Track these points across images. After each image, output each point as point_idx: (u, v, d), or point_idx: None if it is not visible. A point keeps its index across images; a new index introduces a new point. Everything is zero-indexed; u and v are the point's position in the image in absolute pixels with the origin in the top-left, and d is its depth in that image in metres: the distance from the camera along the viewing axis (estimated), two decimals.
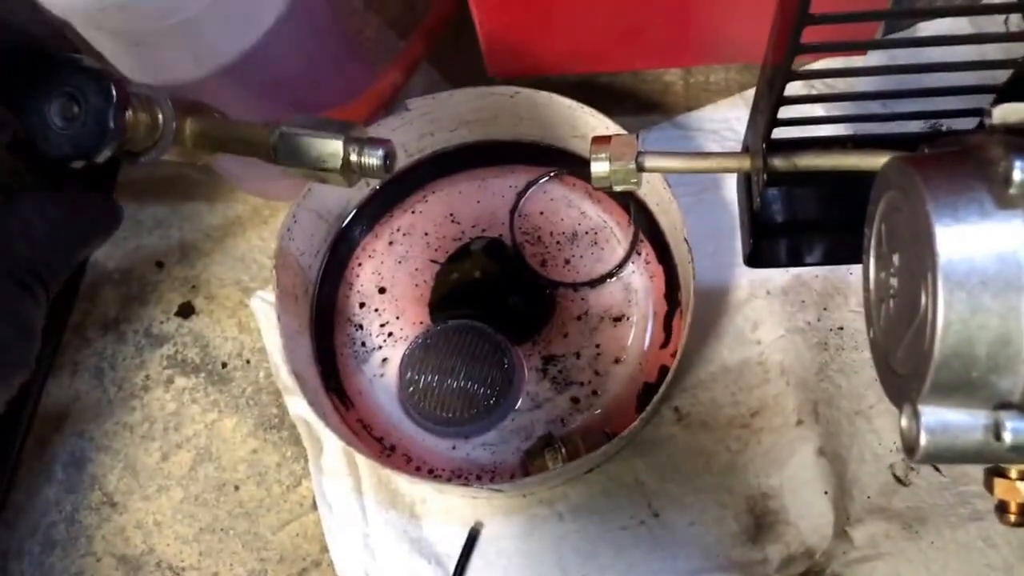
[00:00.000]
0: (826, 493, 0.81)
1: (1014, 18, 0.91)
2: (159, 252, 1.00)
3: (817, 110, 0.63)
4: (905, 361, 0.46)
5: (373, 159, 0.62)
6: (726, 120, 0.98)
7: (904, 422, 0.44)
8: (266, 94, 0.82)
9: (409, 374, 0.86)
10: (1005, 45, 0.58)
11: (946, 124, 0.67)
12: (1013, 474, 0.48)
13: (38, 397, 0.95)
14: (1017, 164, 0.39)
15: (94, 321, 0.98)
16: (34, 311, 0.50)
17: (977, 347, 0.41)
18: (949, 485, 0.82)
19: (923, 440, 0.43)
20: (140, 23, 0.70)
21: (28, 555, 0.89)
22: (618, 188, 0.63)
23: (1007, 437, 0.41)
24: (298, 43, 0.83)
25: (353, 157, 0.61)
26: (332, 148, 0.61)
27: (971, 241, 0.41)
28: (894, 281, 0.49)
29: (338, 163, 0.61)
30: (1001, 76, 0.57)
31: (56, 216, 0.53)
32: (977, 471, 0.50)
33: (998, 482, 0.48)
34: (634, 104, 1.00)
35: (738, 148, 0.73)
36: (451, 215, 0.94)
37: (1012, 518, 0.49)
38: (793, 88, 0.59)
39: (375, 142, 0.62)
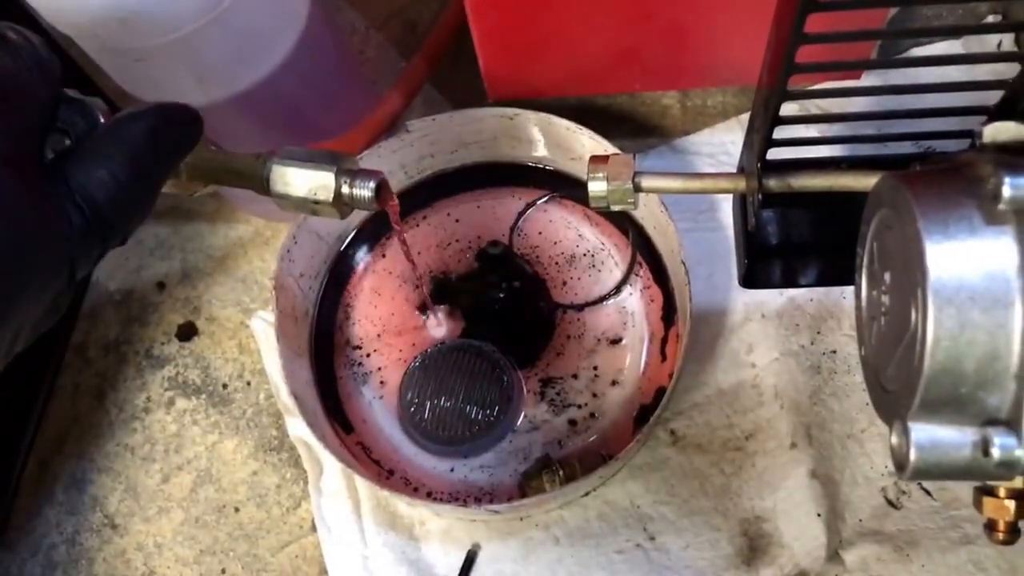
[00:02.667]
0: (819, 516, 0.81)
1: (1007, 40, 0.92)
2: (160, 273, 1.01)
3: (812, 131, 0.64)
4: (895, 378, 0.47)
5: (365, 191, 0.62)
6: (722, 144, 0.98)
7: (894, 439, 0.45)
8: (272, 123, 0.83)
9: (409, 395, 0.86)
10: (996, 67, 0.59)
11: (937, 146, 0.68)
12: (1002, 493, 0.48)
13: (39, 418, 0.95)
14: (1006, 180, 0.40)
15: (95, 342, 0.98)
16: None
17: (966, 363, 0.41)
18: (940, 509, 0.82)
19: (913, 456, 0.43)
20: (141, 38, 0.70)
21: None
22: (615, 208, 0.63)
23: (995, 453, 0.41)
24: (305, 74, 0.84)
25: (345, 189, 0.61)
26: (323, 180, 0.61)
27: (960, 257, 0.41)
28: (885, 299, 0.49)
29: (330, 195, 0.61)
30: (993, 98, 0.58)
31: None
32: (968, 496, 0.51)
33: (987, 501, 0.48)
34: (632, 127, 1.01)
35: (734, 172, 0.74)
36: (451, 236, 0.95)
37: (1001, 536, 0.49)
38: (788, 109, 0.59)
39: (367, 174, 0.62)
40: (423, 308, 0.92)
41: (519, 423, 0.87)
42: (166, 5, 0.68)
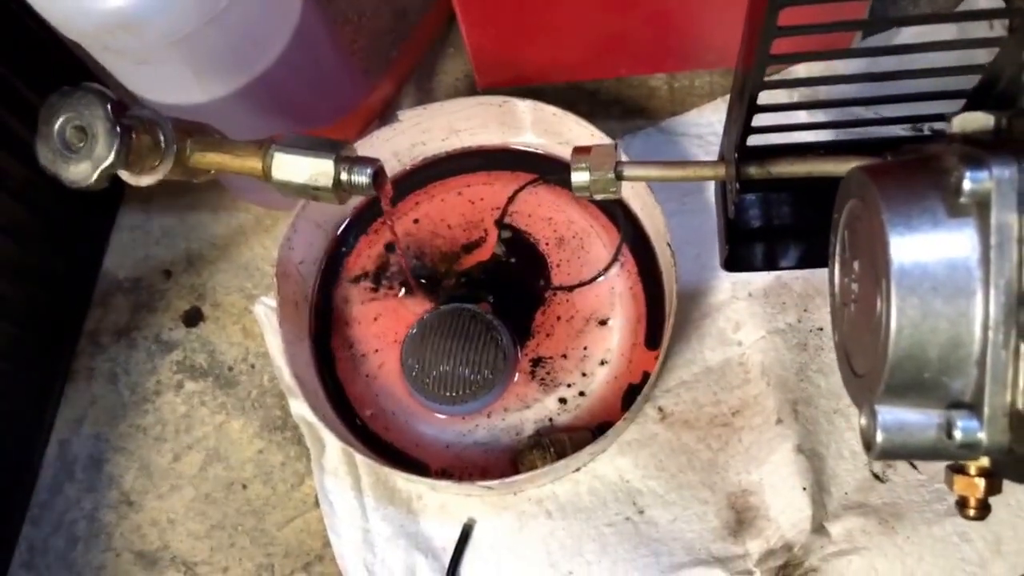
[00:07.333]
0: (805, 489, 0.82)
1: (997, 24, 0.92)
2: (167, 261, 1.03)
3: (792, 116, 0.64)
4: (864, 362, 0.49)
5: (362, 177, 0.65)
6: (710, 124, 0.99)
7: (863, 420, 0.47)
8: (267, 115, 0.85)
9: (410, 361, 0.89)
10: (978, 53, 0.59)
11: (927, 126, 0.69)
12: (972, 471, 0.49)
13: (58, 401, 0.98)
14: (967, 175, 0.42)
15: (107, 328, 1.01)
16: None
17: (929, 350, 0.43)
18: (925, 482, 0.83)
19: (879, 438, 0.45)
20: (142, 42, 0.72)
21: (53, 550, 0.92)
22: (598, 197, 0.64)
23: (957, 435, 0.43)
24: (300, 67, 0.86)
25: (343, 176, 0.64)
26: (323, 167, 0.64)
27: (923, 249, 0.43)
28: (855, 286, 0.51)
29: (329, 182, 0.64)
30: (974, 82, 0.59)
31: None
32: None
33: (958, 478, 0.49)
34: (620, 109, 1.03)
35: (715, 158, 0.74)
36: (443, 220, 0.97)
37: (972, 512, 0.50)
38: (766, 95, 0.60)
39: (364, 161, 0.65)
40: (404, 286, 0.94)
41: (511, 402, 0.89)
42: (166, 11, 0.70)
